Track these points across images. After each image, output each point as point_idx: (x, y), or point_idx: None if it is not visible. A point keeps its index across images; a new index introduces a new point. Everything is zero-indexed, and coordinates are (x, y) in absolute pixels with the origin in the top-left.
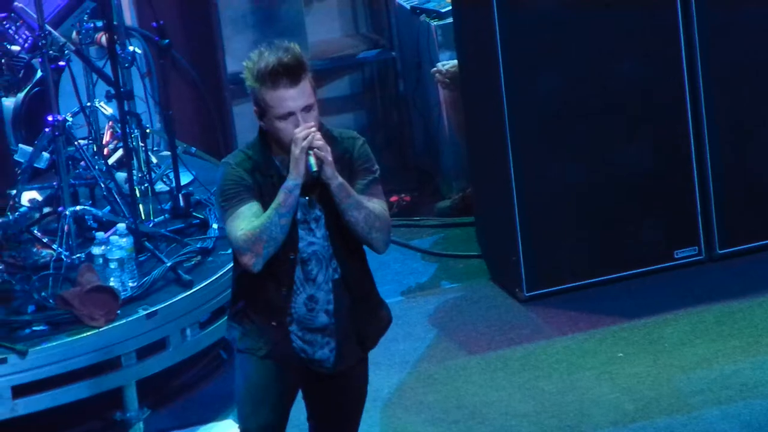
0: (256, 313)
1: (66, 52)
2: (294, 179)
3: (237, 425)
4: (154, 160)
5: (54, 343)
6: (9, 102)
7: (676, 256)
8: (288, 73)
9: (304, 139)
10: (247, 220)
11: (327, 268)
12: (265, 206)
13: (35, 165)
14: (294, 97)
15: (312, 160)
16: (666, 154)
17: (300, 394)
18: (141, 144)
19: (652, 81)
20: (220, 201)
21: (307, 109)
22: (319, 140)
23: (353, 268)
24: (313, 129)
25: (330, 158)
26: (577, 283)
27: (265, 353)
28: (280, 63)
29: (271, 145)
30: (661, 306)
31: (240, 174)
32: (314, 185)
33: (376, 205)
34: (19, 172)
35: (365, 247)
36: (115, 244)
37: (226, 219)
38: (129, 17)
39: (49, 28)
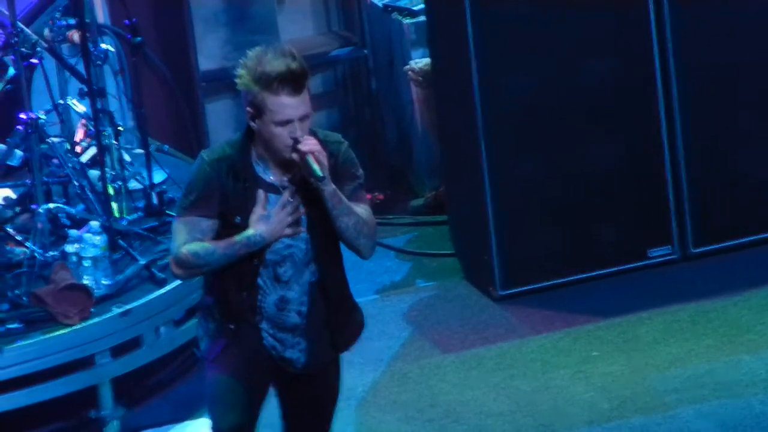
0: (219, 312)
1: (38, 49)
2: (263, 234)
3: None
4: (127, 158)
5: (28, 341)
6: None
7: (650, 255)
8: (294, 81)
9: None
10: (193, 235)
11: (303, 271)
12: (228, 208)
13: (8, 163)
14: (296, 105)
15: (316, 165)
16: (639, 152)
17: (272, 393)
18: (114, 142)
19: (624, 79)
20: (182, 196)
21: (304, 117)
22: (318, 147)
23: (332, 271)
24: (314, 141)
25: (327, 163)
26: (551, 282)
27: (229, 355)
28: (288, 70)
29: (253, 147)
30: (636, 305)
31: (210, 175)
32: (300, 188)
33: (363, 210)
34: None
35: (342, 250)
36: (89, 242)
37: (179, 217)
38: (101, 15)
39: (21, 25)
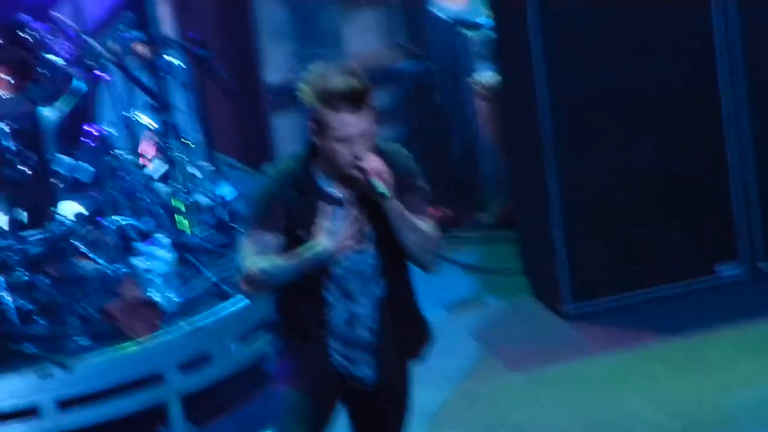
0: (286, 329)
1: (105, 62)
2: (327, 246)
3: None
4: (194, 171)
5: (98, 357)
6: (49, 113)
7: (719, 272)
8: (356, 98)
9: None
10: (261, 250)
11: (372, 286)
12: (293, 222)
13: (76, 177)
14: (357, 123)
15: (379, 183)
16: (708, 169)
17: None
18: (181, 155)
19: (692, 90)
20: (248, 213)
21: (366, 134)
22: (382, 165)
23: (400, 286)
24: (377, 159)
25: (390, 181)
26: (619, 299)
27: (298, 372)
28: (351, 88)
29: (317, 161)
30: (705, 323)
31: (274, 191)
32: (365, 203)
33: (427, 225)
34: (60, 184)
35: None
36: (158, 258)
37: (247, 233)
38: (168, 28)
39: (89, 39)
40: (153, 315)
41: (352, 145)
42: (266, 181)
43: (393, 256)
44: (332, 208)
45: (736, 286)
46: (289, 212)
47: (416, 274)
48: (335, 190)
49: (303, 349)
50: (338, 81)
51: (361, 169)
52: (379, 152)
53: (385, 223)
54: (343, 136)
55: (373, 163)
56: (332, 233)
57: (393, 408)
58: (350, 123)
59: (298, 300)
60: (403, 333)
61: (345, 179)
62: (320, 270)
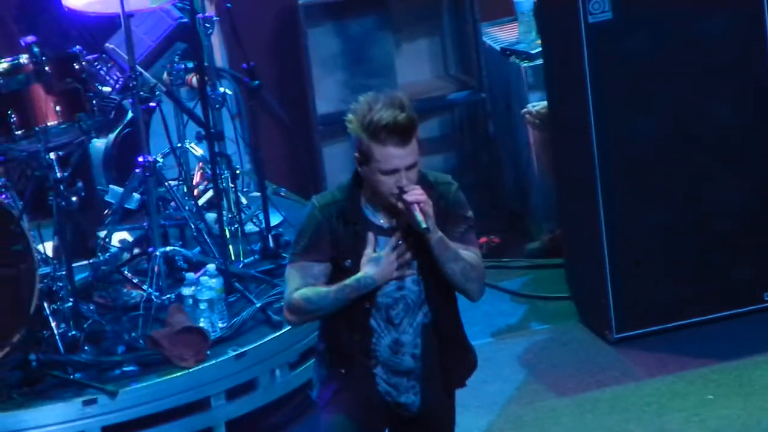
0: (330, 357)
1: (157, 93)
2: (373, 277)
3: None
4: (243, 200)
5: (144, 384)
6: (100, 143)
7: (766, 298)
8: (401, 132)
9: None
10: (306, 280)
11: (416, 313)
12: (338, 252)
13: (126, 206)
14: (402, 156)
15: (420, 216)
16: (754, 195)
17: None
18: (231, 185)
19: (740, 121)
20: (294, 242)
21: (411, 167)
22: (423, 197)
23: (445, 313)
24: (420, 191)
25: (432, 213)
26: (666, 325)
27: (343, 398)
28: (395, 122)
29: (362, 191)
30: (752, 348)
31: (320, 221)
32: (409, 232)
33: (472, 254)
34: (109, 212)
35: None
36: (205, 285)
37: (291, 263)
38: (220, 58)
39: (140, 69)
40: (200, 342)
41: (397, 178)
42: (312, 210)
43: (438, 284)
44: (377, 238)
45: None
46: (334, 242)
47: (463, 300)
48: (381, 221)
49: (347, 376)
50: (385, 114)
51: (404, 202)
52: (427, 182)
53: (429, 251)
54: (389, 168)
55: (415, 195)
56: (378, 262)
57: None
58: (395, 156)
59: (342, 327)
60: (448, 360)
61: (390, 209)
62: (365, 298)
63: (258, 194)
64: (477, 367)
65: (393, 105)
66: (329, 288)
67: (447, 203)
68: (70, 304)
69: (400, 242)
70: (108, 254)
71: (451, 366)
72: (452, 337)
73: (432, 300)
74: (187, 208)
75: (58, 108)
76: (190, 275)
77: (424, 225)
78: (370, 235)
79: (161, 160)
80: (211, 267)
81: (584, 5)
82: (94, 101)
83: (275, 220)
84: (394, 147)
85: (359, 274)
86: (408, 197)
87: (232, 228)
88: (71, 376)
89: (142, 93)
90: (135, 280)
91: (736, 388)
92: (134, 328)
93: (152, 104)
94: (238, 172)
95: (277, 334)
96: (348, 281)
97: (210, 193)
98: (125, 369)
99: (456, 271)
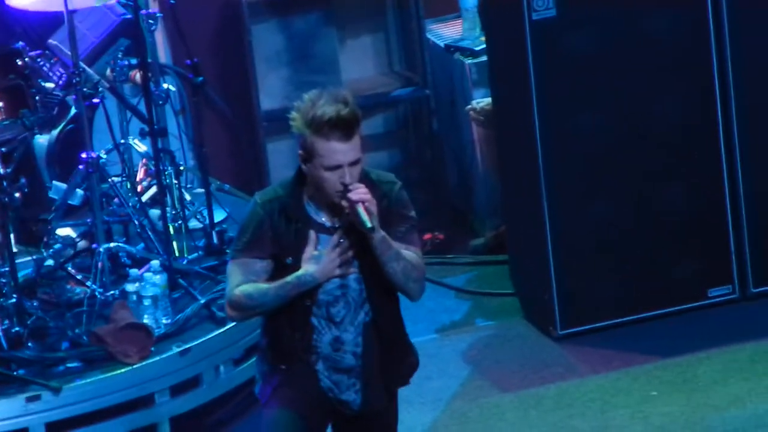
0: (271, 353)
1: (100, 89)
2: (313, 274)
3: None
4: (187, 197)
5: (88, 380)
6: (43, 139)
7: (709, 295)
8: (344, 127)
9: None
10: (247, 277)
11: (357, 312)
12: (280, 249)
13: (69, 202)
14: (345, 151)
15: (364, 215)
16: (700, 192)
17: None
18: (175, 181)
19: (686, 120)
20: (235, 238)
21: (354, 163)
22: (368, 195)
23: (386, 312)
24: (364, 190)
25: (375, 211)
26: (610, 322)
27: (285, 393)
28: (338, 116)
29: (305, 189)
30: (695, 345)
31: (262, 217)
32: (351, 230)
33: (413, 254)
34: (53, 209)
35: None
36: (149, 281)
37: (233, 259)
38: (163, 55)
39: (84, 65)
40: (144, 339)
41: (340, 174)
42: (254, 206)
43: (379, 283)
44: (319, 236)
45: (726, 309)
46: (276, 239)
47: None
48: (323, 218)
49: (289, 372)
50: (328, 109)
51: (349, 200)
52: (370, 181)
53: (370, 250)
54: (332, 164)
55: (360, 194)
56: (319, 260)
57: None
58: (339, 151)
59: (283, 324)
60: (390, 359)
61: (333, 207)
62: (305, 296)
63: (202, 190)
64: (419, 366)
65: (336, 100)
66: (270, 284)
67: (390, 202)
68: (14, 300)
69: (341, 240)
70: (52, 250)
71: (392, 365)
72: (393, 337)
73: (373, 299)
74: (130, 204)
75: (0, 104)
76: (134, 271)
77: (369, 224)
78: (312, 233)
79: (105, 157)
80: (155, 263)
81: (528, 2)
82: (37, 97)
83: (219, 216)
84: (337, 142)
85: (300, 272)
86: (352, 196)
87: (176, 224)
88: (15, 373)
89: (85, 89)
90: (79, 277)
91: (680, 384)
92: (78, 324)
93: (95, 100)
94: (181, 168)
95: (222, 330)
96: (288, 278)
97: (153, 190)
98: (69, 365)
99: (397, 270)
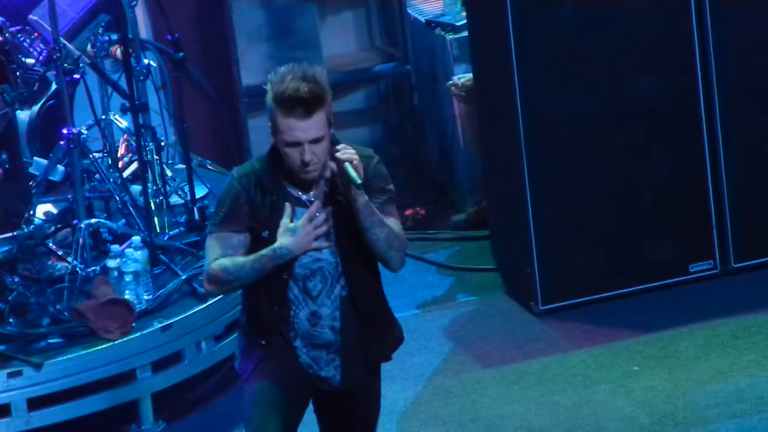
0: (250, 328)
1: (81, 65)
2: (289, 247)
3: None
4: (168, 173)
5: (69, 356)
6: (24, 115)
7: (691, 270)
8: (303, 105)
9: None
10: (225, 251)
11: (333, 285)
12: (256, 223)
13: (50, 178)
14: (304, 128)
15: (353, 172)
16: (681, 168)
17: (312, 409)
18: (156, 157)
19: (667, 96)
20: (213, 212)
21: (316, 141)
22: (356, 156)
23: (363, 286)
24: (351, 150)
25: (362, 172)
26: (592, 297)
27: (266, 368)
28: (297, 93)
29: (282, 162)
30: (677, 320)
31: (238, 191)
32: (327, 200)
33: (394, 224)
34: (33, 185)
35: (380, 266)
36: (130, 257)
37: (210, 233)
38: (144, 30)
39: (64, 41)
40: (125, 315)
41: (300, 151)
42: (231, 180)
43: (355, 257)
44: (295, 209)
45: (708, 284)
46: (252, 212)
47: (388, 273)
48: (299, 192)
49: (268, 347)
50: (290, 85)
51: (337, 160)
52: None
53: (346, 223)
54: (291, 140)
55: (348, 154)
56: (294, 233)
57: (361, 409)
58: (297, 128)
59: (261, 299)
60: (369, 334)
61: (301, 182)
62: (282, 269)
63: (183, 166)
64: (403, 341)
65: (303, 78)
66: (246, 258)
67: (366, 175)
68: None
69: (318, 214)
70: (32, 226)
71: (372, 341)
72: (371, 312)
73: (348, 273)
74: (111, 180)
75: None
76: (115, 247)
77: (358, 181)
78: (287, 206)
79: (85, 133)
80: (136, 239)
81: None
82: (17, 73)
83: (200, 192)
84: (296, 119)
85: (275, 245)
86: (340, 155)
87: (157, 200)
88: None
89: (66, 65)
90: (60, 253)
91: (662, 359)
92: (59, 300)
93: (76, 76)
94: (163, 144)
95: (203, 306)
96: (264, 251)
97: (135, 166)
98: (50, 341)
99: (381, 237)
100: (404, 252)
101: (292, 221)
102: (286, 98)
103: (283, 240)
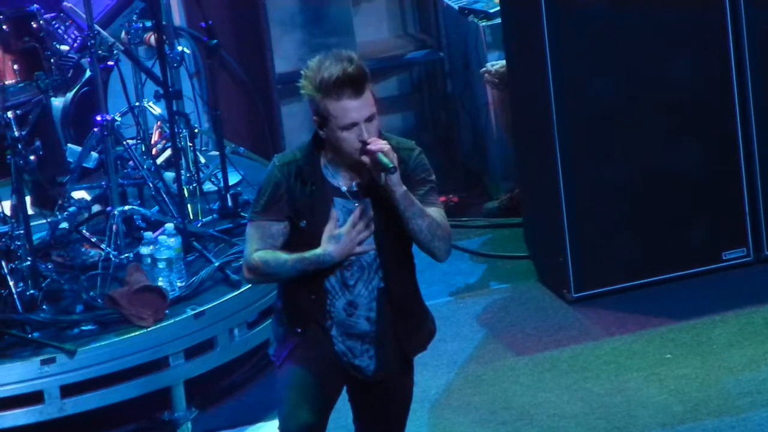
0: (287, 315)
1: (115, 52)
2: (332, 254)
3: None
4: (202, 159)
5: (102, 343)
6: (58, 102)
7: (724, 258)
8: (352, 83)
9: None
10: (265, 240)
11: (371, 276)
12: (294, 212)
13: (84, 165)
14: (358, 107)
15: (385, 158)
16: (715, 155)
17: (345, 396)
18: (189, 144)
19: (700, 81)
20: (254, 200)
21: (370, 119)
22: (387, 145)
23: (399, 278)
24: (384, 141)
25: (396, 161)
26: (624, 284)
27: (301, 354)
28: (345, 73)
29: (323, 152)
30: (710, 307)
31: (279, 180)
32: (368, 192)
33: (437, 212)
34: (68, 171)
35: (414, 255)
36: (164, 244)
37: (251, 221)
38: (178, 17)
39: (98, 27)
40: (158, 302)
41: (358, 132)
42: (272, 169)
43: (393, 248)
44: (334, 199)
45: (741, 271)
46: (292, 201)
47: (423, 260)
48: (340, 182)
49: (304, 335)
50: (333, 69)
51: (369, 152)
52: (390, 146)
53: (387, 215)
54: (347, 122)
55: (378, 144)
56: (339, 239)
57: (394, 397)
58: (351, 108)
59: (299, 287)
60: (404, 326)
61: (354, 168)
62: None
63: (216, 153)
64: (435, 334)
65: (340, 60)
66: (288, 256)
67: (407, 167)
68: (29, 263)
69: (360, 217)
70: (66, 213)
71: (407, 333)
72: (405, 306)
73: (387, 264)
74: (145, 167)
75: (15, 67)
76: (149, 234)
77: (390, 164)
78: (333, 212)
79: (119, 119)
80: (169, 226)
81: None
82: (51, 60)
83: (234, 179)
84: (349, 99)
85: (319, 251)
86: (372, 146)
87: (191, 187)
88: (29, 335)
89: (100, 52)
90: (93, 239)
91: (695, 347)
92: (92, 287)
93: (110, 63)
94: (196, 131)
95: (236, 293)
96: (307, 254)
97: (168, 152)
98: (84, 328)
99: (423, 227)
100: (449, 241)
101: (336, 226)
102: (334, 81)
103: (327, 247)
